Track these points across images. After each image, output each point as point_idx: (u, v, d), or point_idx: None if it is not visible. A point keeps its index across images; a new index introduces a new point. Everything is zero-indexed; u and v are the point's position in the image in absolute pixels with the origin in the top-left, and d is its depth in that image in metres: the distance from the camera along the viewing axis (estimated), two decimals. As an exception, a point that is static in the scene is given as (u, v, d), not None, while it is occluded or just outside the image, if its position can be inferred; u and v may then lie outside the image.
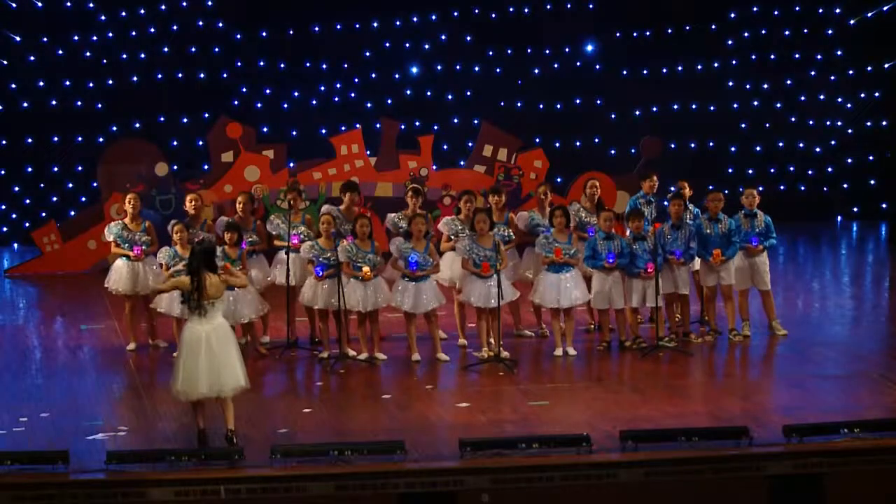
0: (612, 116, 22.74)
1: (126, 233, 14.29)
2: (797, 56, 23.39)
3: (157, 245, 14.24)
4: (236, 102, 21.58)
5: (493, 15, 22.37)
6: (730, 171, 23.06)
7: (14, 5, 20.94)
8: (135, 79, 21.44)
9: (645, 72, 22.88)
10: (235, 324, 13.51)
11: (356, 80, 22.08)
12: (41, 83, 21.28)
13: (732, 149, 23.31)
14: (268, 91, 21.87)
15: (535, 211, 14.79)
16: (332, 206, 14.71)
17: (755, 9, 23.18)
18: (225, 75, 21.79)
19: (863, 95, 23.51)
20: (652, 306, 14.17)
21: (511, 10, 22.41)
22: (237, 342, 11.16)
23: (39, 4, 21.12)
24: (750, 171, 23.15)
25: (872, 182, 23.69)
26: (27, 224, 21.01)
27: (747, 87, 23.27)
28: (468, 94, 22.35)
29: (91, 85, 21.35)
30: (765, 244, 14.68)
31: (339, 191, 15.09)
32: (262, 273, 14.31)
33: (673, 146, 22.41)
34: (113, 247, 14.39)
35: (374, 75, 22.15)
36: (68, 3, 21.25)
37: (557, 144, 22.11)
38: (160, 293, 13.30)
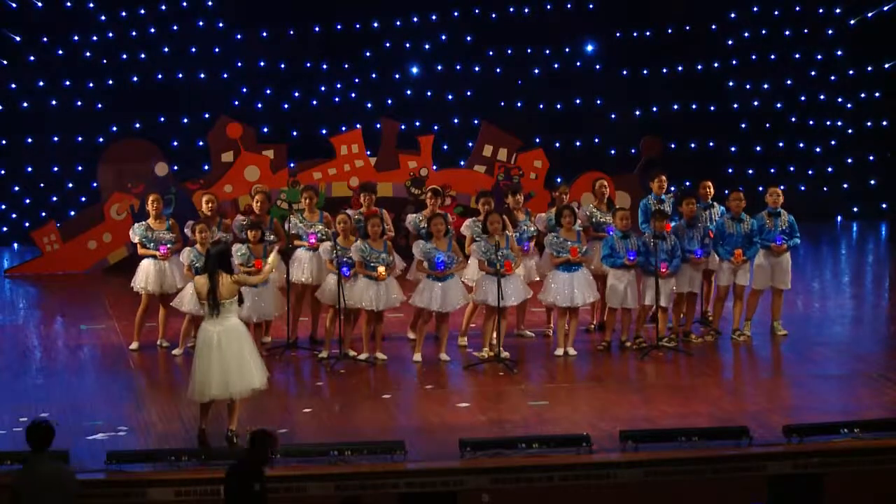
0: (612, 116, 22.73)
1: (150, 233, 14.30)
2: (797, 56, 23.38)
3: (182, 242, 14.27)
4: (236, 102, 21.57)
5: (494, 15, 22.35)
6: (730, 171, 23.04)
7: (14, 5, 20.93)
8: (135, 79, 21.43)
9: (645, 72, 22.86)
10: (260, 321, 13.76)
11: (356, 80, 22.09)
12: (41, 83, 21.27)
13: (732, 149, 23.29)
14: (268, 91, 21.88)
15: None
16: (353, 210, 14.73)
17: (755, 9, 23.16)
18: (225, 75, 21.79)
19: (863, 95, 23.51)
20: (652, 305, 14.16)
21: (511, 10, 22.40)
22: (252, 342, 11.21)
23: (39, 4, 21.11)
24: (750, 171, 23.13)
25: (872, 182, 23.69)
26: (27, 224, 20.96)
27: (747, 87, 23.25)
28: (468, 94, 22.34)
29: (91, 85, 21.33)
30: (789, 243, 14.63)
31: (355, 193, 15.20)
32: (278, 272, 14.31)
33: (673, 146, 22.40)
34: (139, 248, 14.40)
35: (374, 75, 22.16)
36: (68, 3, 21.23)
37: (557, 144, 22.10)
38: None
